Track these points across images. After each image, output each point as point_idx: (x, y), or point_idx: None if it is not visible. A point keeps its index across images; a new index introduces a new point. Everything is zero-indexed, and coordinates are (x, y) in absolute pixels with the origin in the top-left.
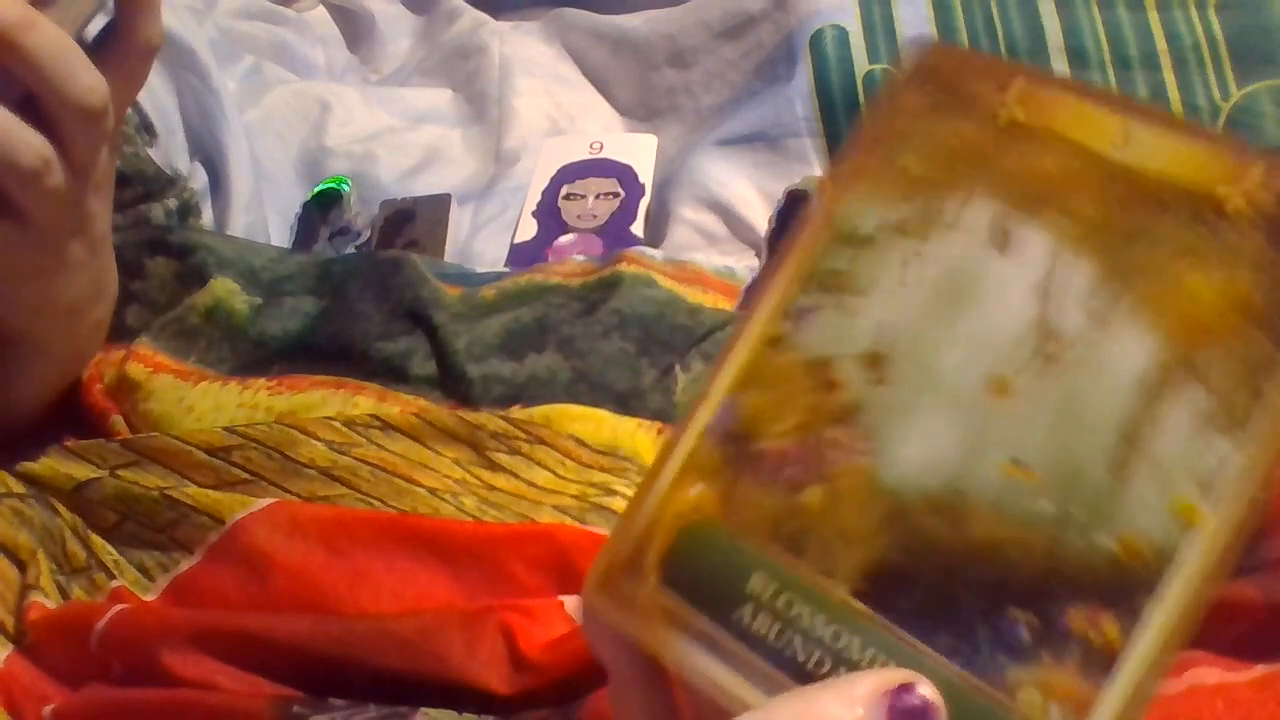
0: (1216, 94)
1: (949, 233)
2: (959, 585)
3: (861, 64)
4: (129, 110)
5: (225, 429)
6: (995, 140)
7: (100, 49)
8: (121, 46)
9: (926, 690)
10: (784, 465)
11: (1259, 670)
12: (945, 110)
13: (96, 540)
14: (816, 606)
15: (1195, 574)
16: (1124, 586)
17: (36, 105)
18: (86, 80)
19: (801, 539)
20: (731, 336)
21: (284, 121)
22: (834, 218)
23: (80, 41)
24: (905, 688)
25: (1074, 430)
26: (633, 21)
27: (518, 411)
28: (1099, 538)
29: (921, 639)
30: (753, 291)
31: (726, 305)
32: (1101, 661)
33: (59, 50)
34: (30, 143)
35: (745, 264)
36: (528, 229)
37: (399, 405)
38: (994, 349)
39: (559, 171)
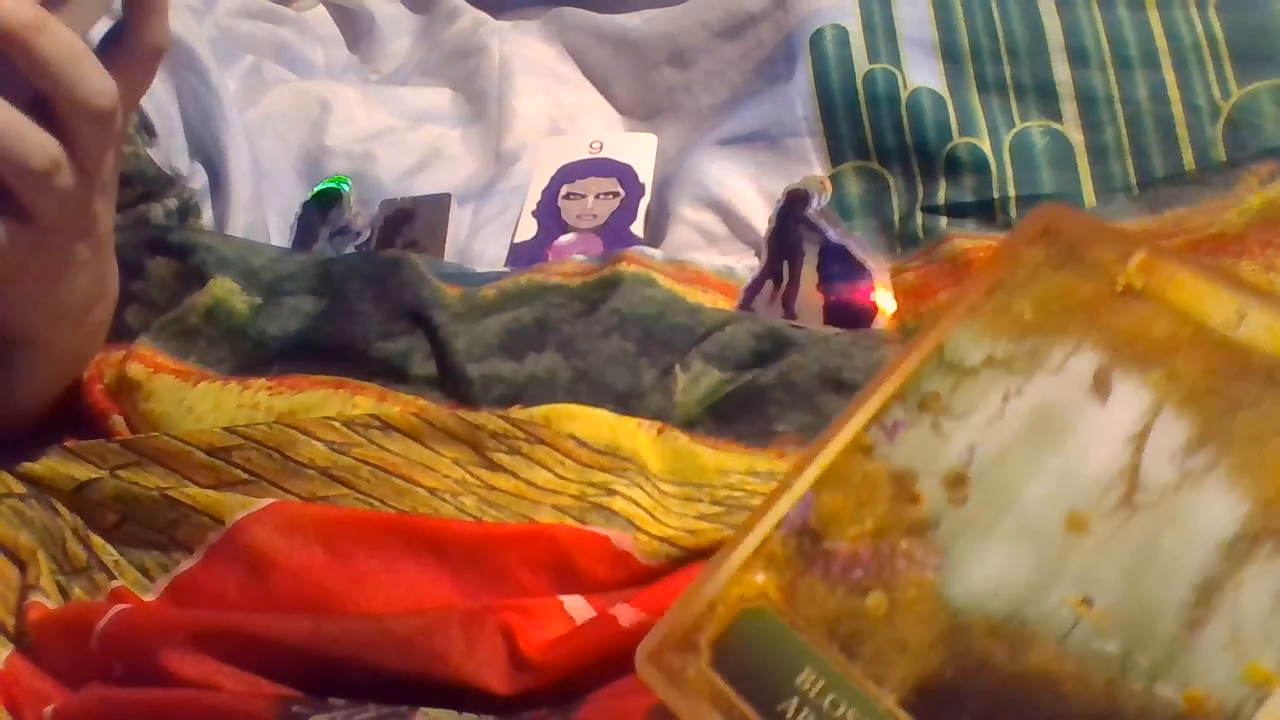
0: (1216, 93)
1: (1053, 376)
2: (1008, 711)
3: (861, 64)
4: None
5: (225, 429)
6: (1110, 301)
7: (107, 51)
8: (129, 49)
9: None
10: (853, 568)
11: None
12: (1065, 268)
13: (97, 540)
14: (861, 710)
15: None
16: None
17: (46, 106)
18: (97, 82)
19: (858, 642)
20: (822, 437)
21: (284, 121)
22: (941, 346)
23: (87, 43)
24: None
25: (1151, 578)
26: (633, 21)
27: (517, 411)
28: (1162, 687)
29: None
30: (753, 291)
31: (727, 305)
32: None
33: (70, 52)
34: (41, 144)
35: (745, 264)
36: (528, 229)
37: (399, 405)
38: (1079, 488)
39: (559, 171)
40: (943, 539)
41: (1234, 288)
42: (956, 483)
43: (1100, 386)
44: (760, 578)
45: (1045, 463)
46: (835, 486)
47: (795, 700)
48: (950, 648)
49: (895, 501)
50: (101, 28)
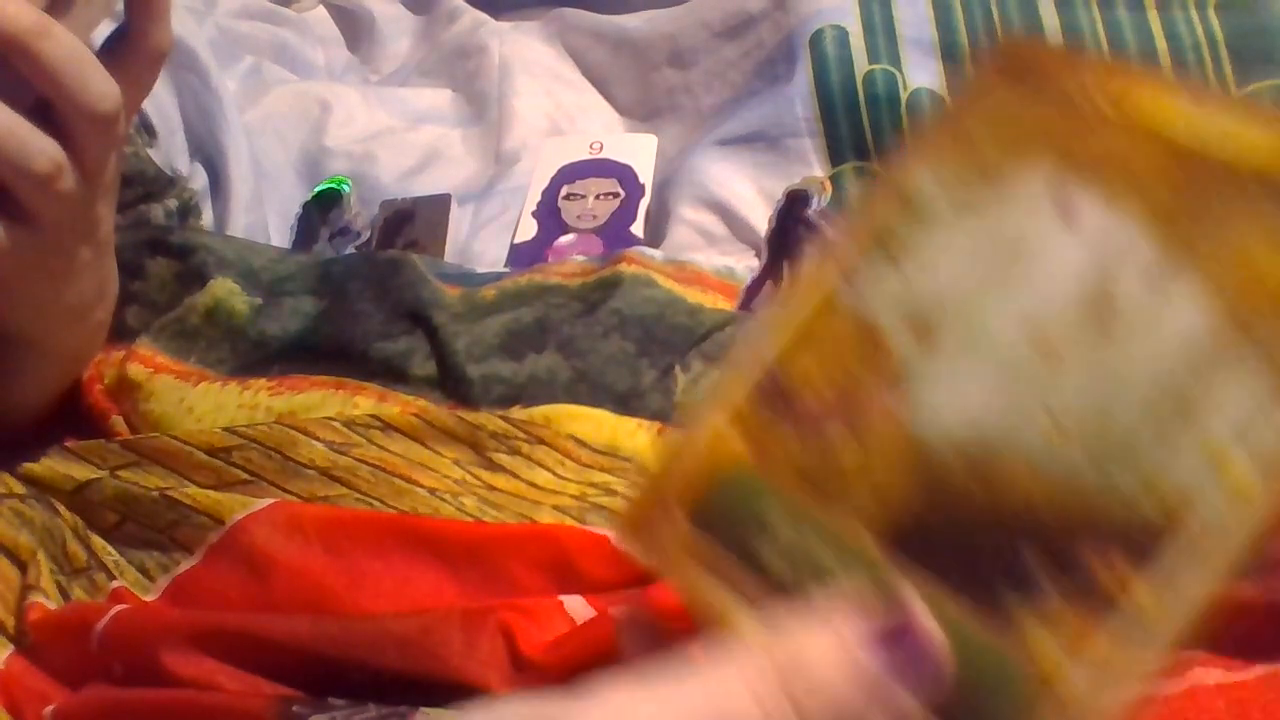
0: None
1: (1015, 205)
2: (985, 539)
3: (861, 64)
4: None
5: (225, 429)
6: (1069, 124)
7: (110, 54)
8: (132, 52)
9: (925, 631)
10: (825, 419)
11: (1259, 670)
12: (1021, 95)
13: (97, 541)
14: (835, 548)
15: (1234, 537)
16: (1159, 548)
17: (49, 110)
18: (101, 87)
19: (829, 485)
20: (789, 295)
21: (284, 121)
22: (902, 186)
23: (89, 46)
24: (907, 630)
25: (1124, 397)
26: (633, 21)
27: (518, 412)
28: (1140, 503)
29: (936, 578)
30: (753, 291)
31: (726, 305)
32: (1130, 620)
33: (74, 57)
34: (43, 148)
35: (745, 264)
36: (528, 229)
37: (399, 405)
38: (1046, 313)
39: (559, 172)
40: (913, 382)
41: (1192, 95)
42: (924, 324)
43: (1063, 210)
44: (735, 439)
45: (1011, 293)
46: (803, 341)
47: (771, 544)
48: (923, 484)
49: (863, 350)
50: (104, 30)
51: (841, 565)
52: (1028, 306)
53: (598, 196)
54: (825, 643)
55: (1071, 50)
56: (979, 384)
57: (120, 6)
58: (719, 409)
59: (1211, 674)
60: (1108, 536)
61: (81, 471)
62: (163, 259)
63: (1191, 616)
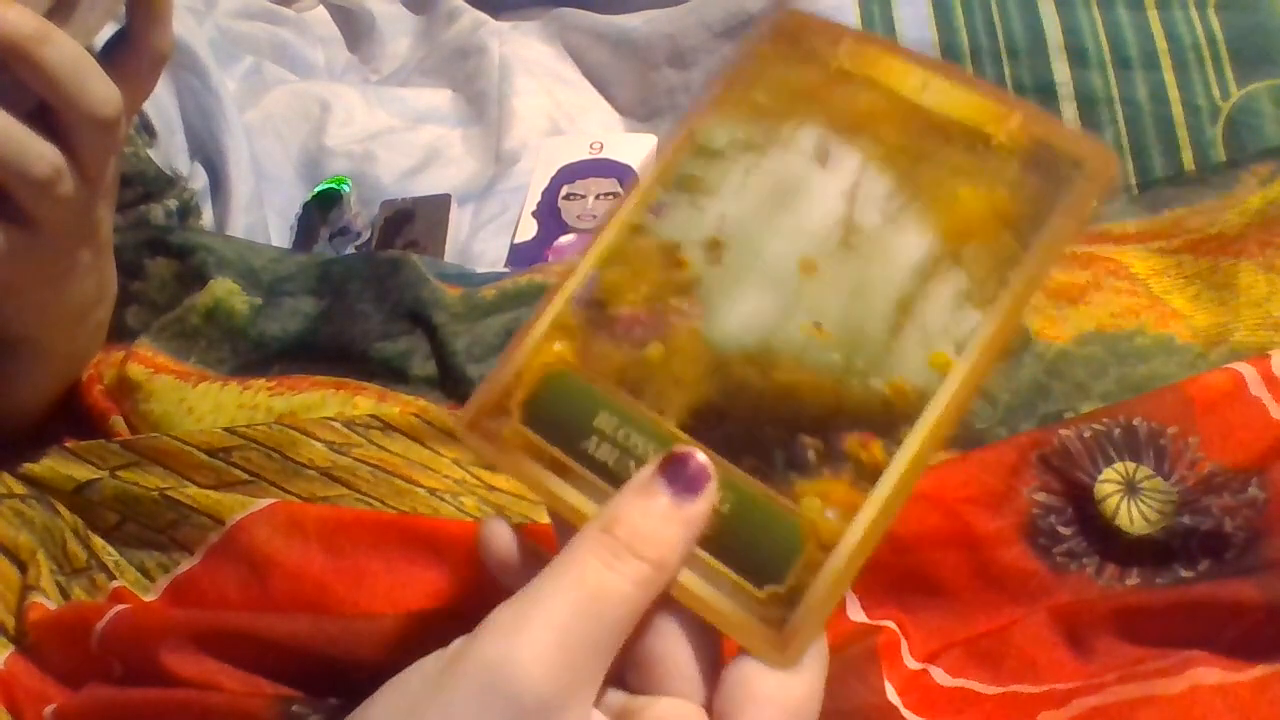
0: (1216, 94)
1: (783, 150)
2: (763, 419)
3: None
4: None
5: (225, 429)
6: (826, 83)
7: (111, 57)
8: (132, 55)
9: (698, 459)
10: (633, 327)
11: (1259, 670)
12: (790, 59)
13: (97, 541)
14: (649, 437)
15: (943, 408)
16: (891, 419)
17: (49, 114)
18: (101, 92)
19: (641, 385)
20: (599, 222)
21: (284, 121)
22: (695, 134)
23: (90, 50)
24: (680, 457)
25: (863, 301)
26: (633, 21)
27: None
28: (875, 383)
29: (731, 460)
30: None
31: None
32: (869, 475)
33: (74, 62)
34: (42, 153)
35: None
36: (528, 229)
37: (399, 405)
38: (807, 238)
39: (559, 171)
40: (704, 294)
41: (921, 63)
42: (713, 246)
43: (821, 155)
44: (558, 345)
45: (781, 222)
46: (615, 262)
47: (595, 438)
48: (715, 378)
49: (664, 268)
50: (106, 32)
51: (652, 449)
52: (795, 232)
53: (598, 196)
54: (634, 494)
55: (830, 23)
56: (757, 294)
57: (122, 10)
58: (544, 319)
59: (1211, 674)
60: (859, 420)
61: (81, 471)
62: (163, 259)
63: (914, 469)
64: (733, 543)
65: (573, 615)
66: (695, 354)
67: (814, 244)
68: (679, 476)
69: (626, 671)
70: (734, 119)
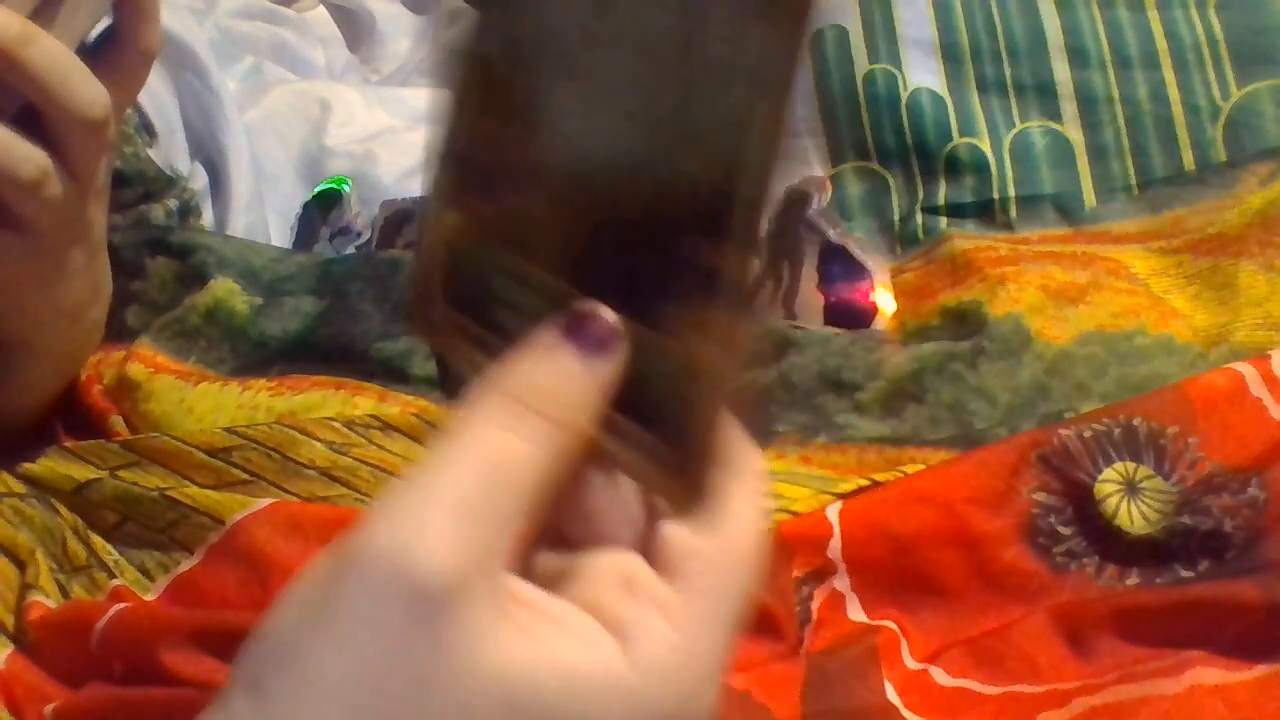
0: (1216, 94)
1: None
2: (618, 248)
3: (861, 64)
4: (129, 111)
5: (225, 429)
6: None
7: (99, 55)
8: (121, 53)
9: (605, 319)
10: (493, 175)
11: (1259, 670)
12: None
13: (97, 540)
14: (538, 294)
15: (755, 165)
16: (714, 209)
17: (35, 116)
18: (88, 93)
19: (522, 237)
20: (449, 71)
21: (284, 121)
22: None
23: (80, 47)
24: (584, 316)
25: (656, 66)
26: None
27: None
28: (684, 166)
29: (615, 307)
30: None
31: None
32: (711, 283)
33: (59, 64)
34: (29, 155)
35: None
36: None
37: (399, 405)
38: (584, 14)
39: None
40: (529, 115)
41: None
42: (516, 55)
43: None
44: (449, 218)
45: (582, 9)
46: (459, 107)
47: (498, 305)
48: (571, 215)
49: (489, 95)
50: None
51: (546, 306)
52: (589, 16)
53: None
54: (537, 356)
55: None
56: (581, 106)
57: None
58: (437, 195)
59: (1211, 674)
60: (702, 224)
61: (81, 471)
62: (163, 259)
63: (747, 254)
64: (630, 392)
65: (472, 488)
66: (551, 192)
67: (607, 22)
68: (585, 337)
69: (566, 526)
70: None
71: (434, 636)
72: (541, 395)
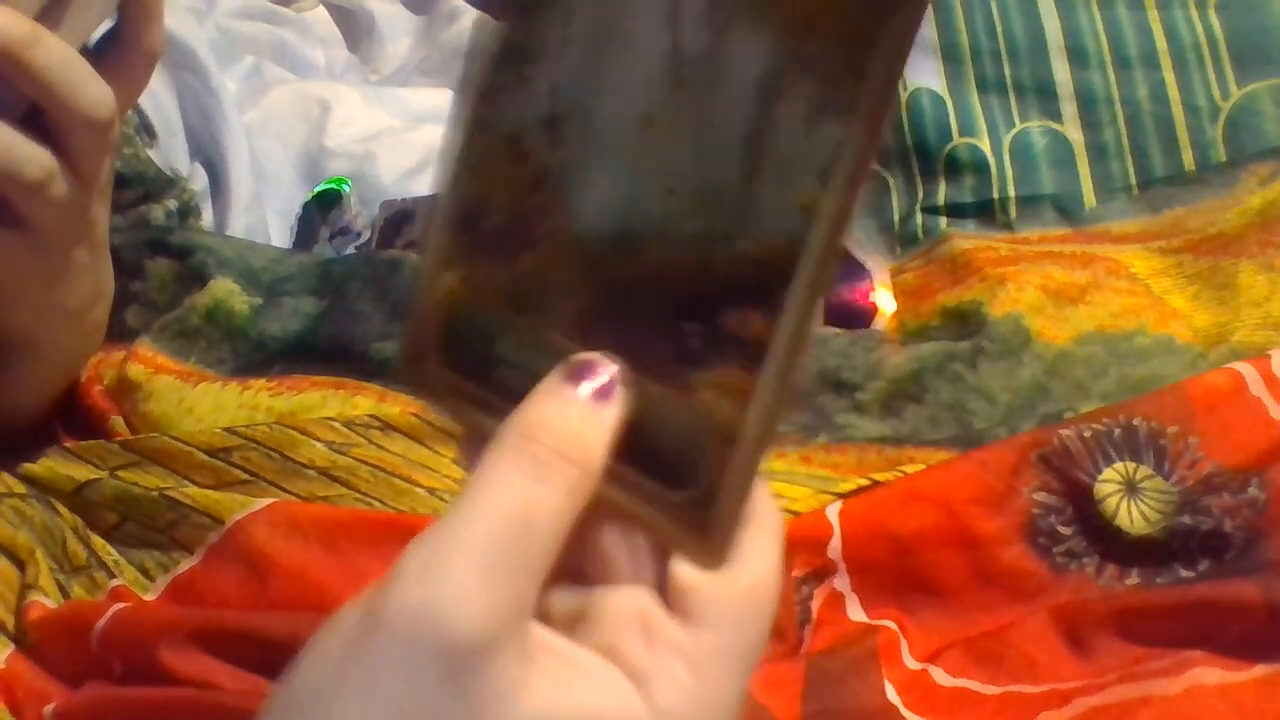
0: (1216, 93)
1: None
2: (645, 313)
3: None
4: (129, 112)
5: (225, 430)
6: None
7: (103, 56)
8: (124, 54)
9: (605, 364)
10: (503, 240)
11: (1259, 670)
12: None
13: (97, 540)
14: (544, 355)
15: (817, 257)
16: (766, 283)
17: (40, 116)
18: (93, 94)
19: (526, 300)
20: (452, 129)
21: (284, 122)
22: None
23: (84, 48)
24: (585, 362)
25: (709, 148)
26: None
27: None
28: (741, 244)
29: (627, 364)
30: None
31: None
32: (756, 353)
33: (65, 65)
34: (34, 156)
35: None
36: None
37: (399, 405)
38: (638, 86)
39: None
40: (556, 185)
41: None
42: (550, 126)
43: None
44: (447, 277)
45: (609, 72)
46: (472, 172)
47: (502, 367)
48: (590, 277)
49: (513, 164)
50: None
51: (552, 366)
52: (623, 81)
53: None
54: (546, 398)
55: None
56: (604, 172)
57: (115, 9)
58: (431, 251)
59: (1211, 674)
60: (735, 291)
61: (81, 471)
62: (163, 259)
63: (799, 335)
64: (643, 449)
65: (500, 540)
66: (566, 255)
67: (646, 91)
68: (591, 380)
69: (578, 561)
70: None
71: (465, 691)
72: (564, 439)
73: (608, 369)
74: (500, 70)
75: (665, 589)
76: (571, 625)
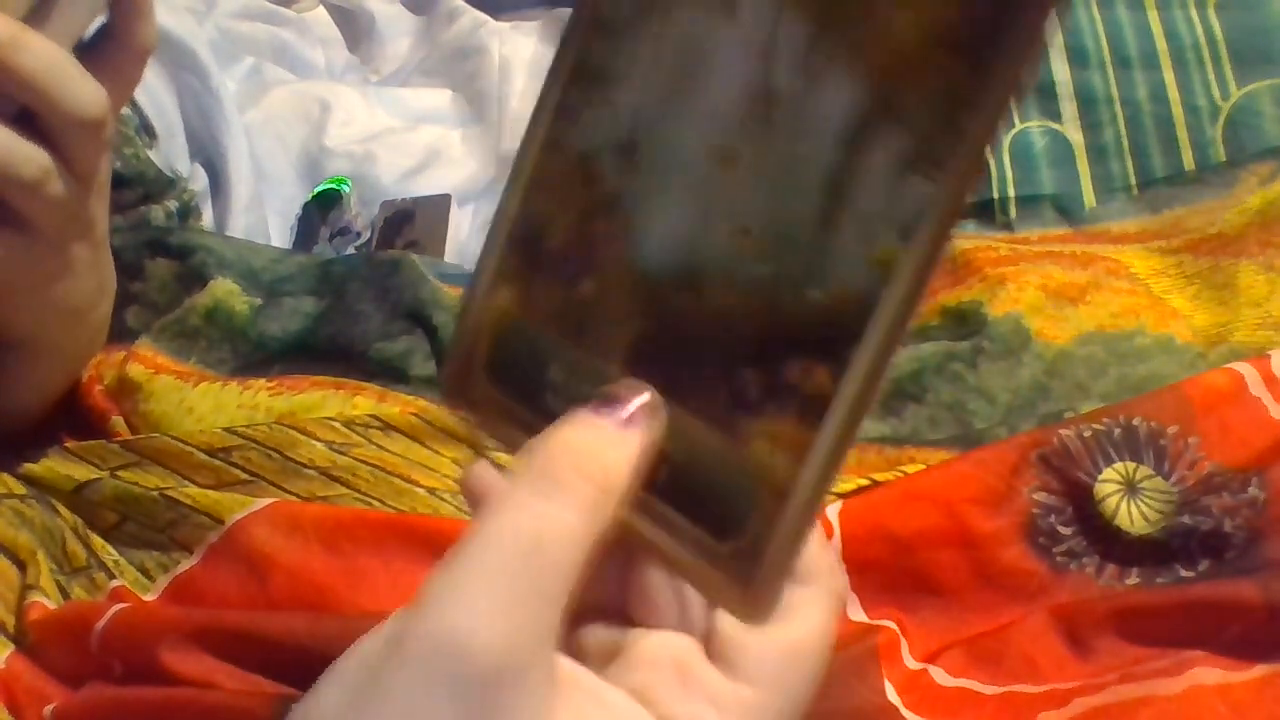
0: (1216, 93)
1: (674, 9)
2: (702, 353)
3: None
4: (129, 112)
5: (225, 429)
6: None
7: (94, 52)
8: (116, 51)
9: (639, 395)
10: (564, 262)
11: (1259, 670)
12: None
13: (96, 540)
14: (592, 384)
15: (891, 317)
16: (833, 338)
17: (34, 115)
18: (84, 93)
19: (581, 327)
20: (521, 145)
21: (284, 122)
22: (587, 11)
23: (77, 43)
24: (616, 394)
25: (790, 191)
26: None
27: None
28: (812, 294)
29: (676, 402)
30: None
31: None
32: (816, 408)
33: (53, 67)
34: (29, 156)
35: None
36: None
37: (399, 405)
38: (720, 119)
39: None
40: (624, 211)
41: None
42: (626, 150)
43: (712, 10)
44: (503, 295)
45: (691, 102)
46: (538, 190)
47: (551, 392)
48: (648, 309)
49: (584, 186)
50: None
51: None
52: (705, 113)
53: None
54: (572, 425)
55: None
56: (675, 204)
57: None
58: (487, 267)
59: (1211, 674)
60: (800, 341)
61: (81, 471)
62: (163, 260)
63: (864, 395)
64: (688, 493)
65: (515, 566)
66: (626, 285)
67: (727, 125)
68: (614, 407)
69: (618, 600)
70: None
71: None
72: (582, 456)
73: (637, 396)
74: (579, 89)
75: (710, 637)
76: (606, 663)
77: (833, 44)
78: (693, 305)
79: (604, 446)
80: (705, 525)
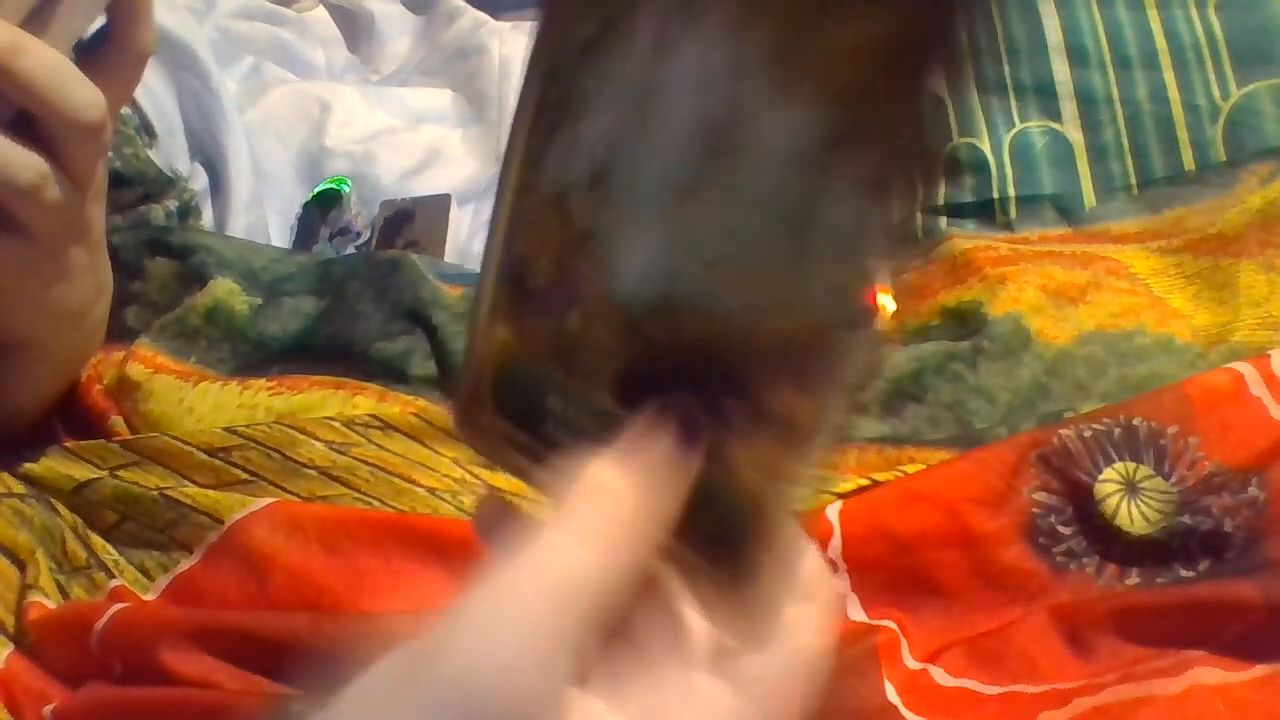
0: (1216, 93)
1: (628, 43)
2: (684, 382)
3: None
4: (129, 111)
5: (225, 429)
6: None
7: (93, 56)
8: (115, 54)
9: (653, 432)
10: (550, 298)
11: (1259, 670)
12: None
13: (96, 540)
14: (590, 413)
15: (857, 338)
16: (809, 362)
17: (31, 120)
18: (82, 97)
19: (572, 358)
20: (498, 187)
21: (284, 122)
22: (543, 56)
23: (76, 46)
24: (651, 432)
25: (752, 220)
26: None
27: None
28: (783, 323)
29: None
30: None
31: None
32: (790, 432)
33: (51, 71)
34: (26, 161)
35: None
36: None
37: (399, 405)
38: (676, 153)
39: None
40: (599, 246)
41: None
42: (594, 187)
43: (667, 41)
44: (499, 331)
45: (648, 137)
46: (520, 230)
47: (551, 421)
48: (630, 341)
49: (560, 224)
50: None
51: (595, 425)
52: (661, 147)
53: None
54: (602, 467)
55: None
56: (644, 237)
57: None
58: (483, 304)
59: (1211, 674)
60: (776, 368)
61: (81, 471)
62: (163, 259)
63: (839, 414)
64: (686, 521)
65: (543, 604)
66: (608, 317)
67: (684, 159)
68: (652, 450)
69: (630, 617)
70: (578, 22)
71: None
72: (602, 501)
73: (667, 438)
74: (544, 131)
75: (712, 654)
76: (618, 683)
77: (780, 75)
78: (669, 336)
79: (636, 492)
80: (695, 547)
